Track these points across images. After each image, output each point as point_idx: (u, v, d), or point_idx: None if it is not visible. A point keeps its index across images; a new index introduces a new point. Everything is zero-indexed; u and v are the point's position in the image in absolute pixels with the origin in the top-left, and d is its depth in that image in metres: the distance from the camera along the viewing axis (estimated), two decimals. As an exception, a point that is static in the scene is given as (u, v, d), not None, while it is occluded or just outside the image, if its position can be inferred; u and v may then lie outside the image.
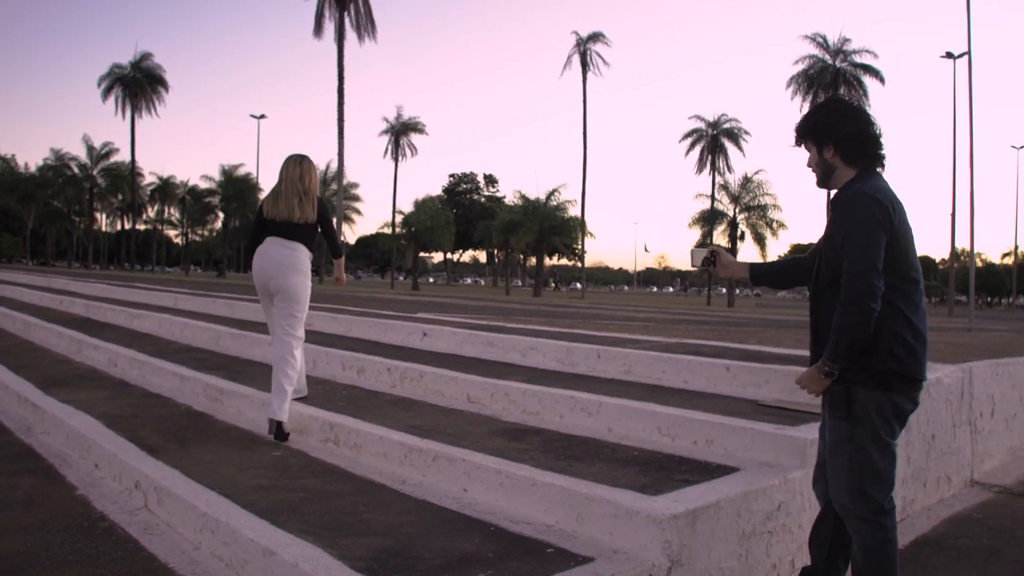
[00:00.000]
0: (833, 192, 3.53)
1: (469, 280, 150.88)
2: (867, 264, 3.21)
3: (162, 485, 4.58)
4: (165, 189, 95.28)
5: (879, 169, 3.52)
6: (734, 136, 69.25)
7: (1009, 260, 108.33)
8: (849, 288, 3.23)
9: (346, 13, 56.04)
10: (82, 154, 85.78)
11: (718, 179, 67.50)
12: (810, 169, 3.65)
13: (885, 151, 3.52)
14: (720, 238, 66.86)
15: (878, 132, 3.50)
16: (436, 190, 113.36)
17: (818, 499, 3.80)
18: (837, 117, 3.52)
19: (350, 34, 56.56)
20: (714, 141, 68.83)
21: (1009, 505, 5.91)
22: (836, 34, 74.88)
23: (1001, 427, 7.06)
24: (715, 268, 4.16)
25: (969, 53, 37.14)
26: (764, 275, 4.23)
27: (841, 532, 3.62)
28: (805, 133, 3.61)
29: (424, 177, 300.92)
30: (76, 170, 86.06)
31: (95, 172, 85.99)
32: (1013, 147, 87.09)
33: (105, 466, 5.37)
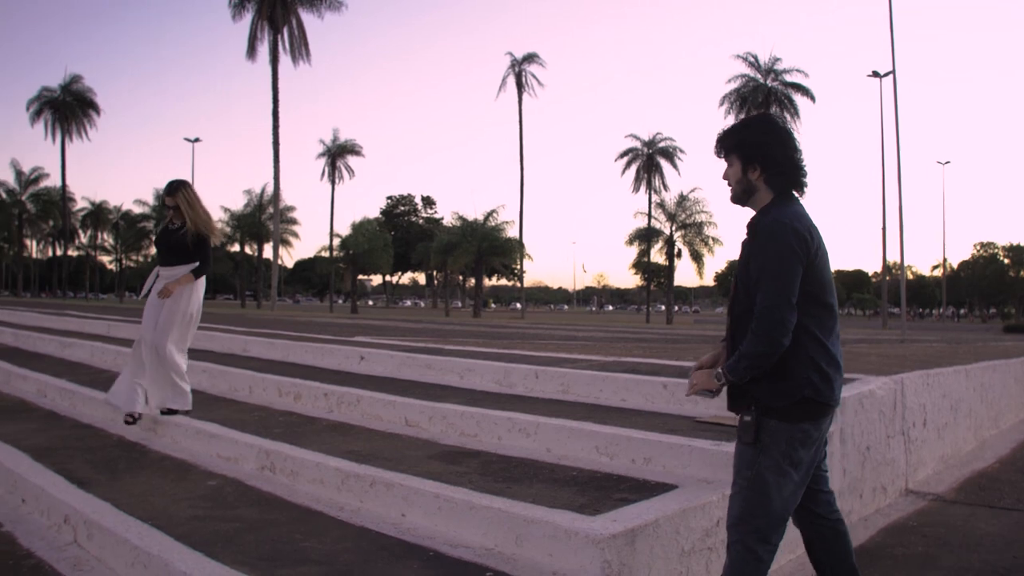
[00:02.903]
0: (750, 214, 3.48)
1: (409, 302, 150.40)
2: (781, 298, 3.17)
3: (92, 519, 4.47)
4: (98, 214, 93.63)
5: (800, 195, 3.47)
6: (669, 155, 70.14)
7: (938, 272, 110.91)
8: (762, 320, 3.19)
9: (279, 36, 55.65)
10: (10, 179, 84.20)
11: (655, 197, 68.32)
12: (726, 182, 3.55)
13: (807, 180, 3.47)
14: (658, 256, 67.58)
15: (802, 159, 3.45)
16: (374, 212, 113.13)
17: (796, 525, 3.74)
18: (770, 138, 3.43)
19: (284, 57, 56.21)
20: (650, 160, 69.64)
21: (943, 512, 6.02)
22: (767, 54, 76.10)
23: (933, 436, 7.20)
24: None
25: (894, 72, 38.13)
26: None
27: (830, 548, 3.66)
28: (731, 147, 3.48)
29: (362, 200, 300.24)
30: (4, 195, 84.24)
31: (24, 197, 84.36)
32: (939, 162, 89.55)
33: (32, 501, 5.23)
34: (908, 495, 6.48)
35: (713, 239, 65.78)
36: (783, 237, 3.21)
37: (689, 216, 66.02)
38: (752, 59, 61.97)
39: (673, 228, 66.64)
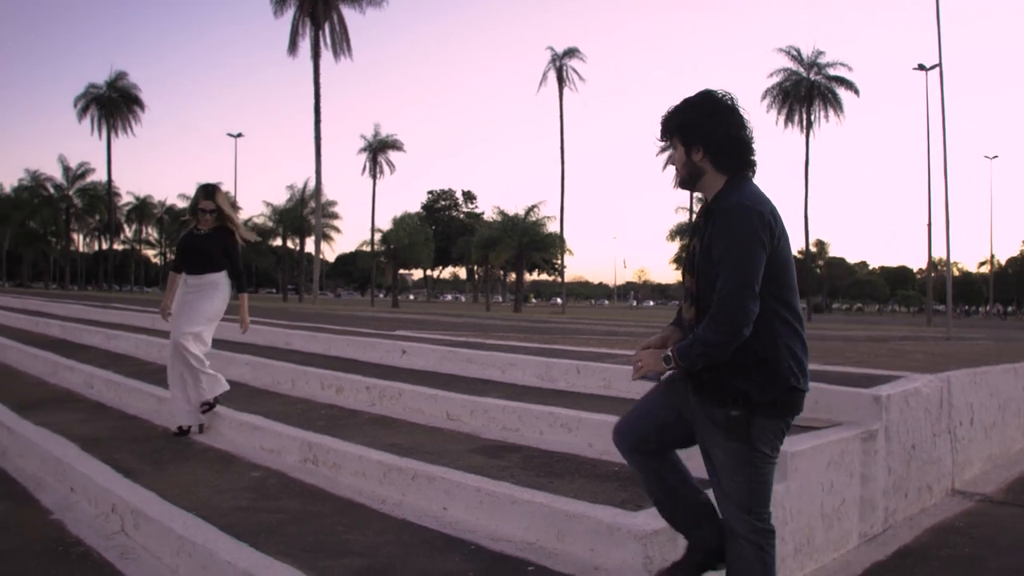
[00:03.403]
0: (704, 198, 3.31)
1: (449, 296, 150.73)
2: (744, 285, 2.99)
3: (139, 508, 4.53)
4: (143, 209, 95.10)
5: (750, 175, 3.26)
6: (710, 149, 69.66)
7: (985, 269, 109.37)
8: (722, 306, 3.00)
9: (321, 32, 55.91)
10: (58, 174, 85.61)
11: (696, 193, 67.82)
12: (674, 168, 3.35)
13: (756, 157, 3.25)
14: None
15: (751, 136, 3.23)
16: (415, 207, 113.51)
17: (626, 454, 3.62)
18: (707, 116, 3.19)
19: (325, 52, 56.41)
20: (691, 154, 69.20)
21: (990, 513, 5.93)
22: (810, 47, 75.44)
23: (980, 435, 7.09)
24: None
25: (940, 65, 37.54)
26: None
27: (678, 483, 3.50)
28: (673, 130, 3.27)
29: (403, 194, 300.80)
30: (52, 190, 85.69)
31: (71, 192, 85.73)
32: (986, 157, 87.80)
33: (81, 490, 5.31)
34: (954, 495, 6.39)
35: (756, 234, 65.36)
36: (747, 221, 3.04)
37: (731, 211, 65.66)
38: (795, 52, 61.44)
39: (714, 223, 66.28)
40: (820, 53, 61.11)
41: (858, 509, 5.12)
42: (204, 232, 6.86)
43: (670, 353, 3.17)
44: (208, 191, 6.88)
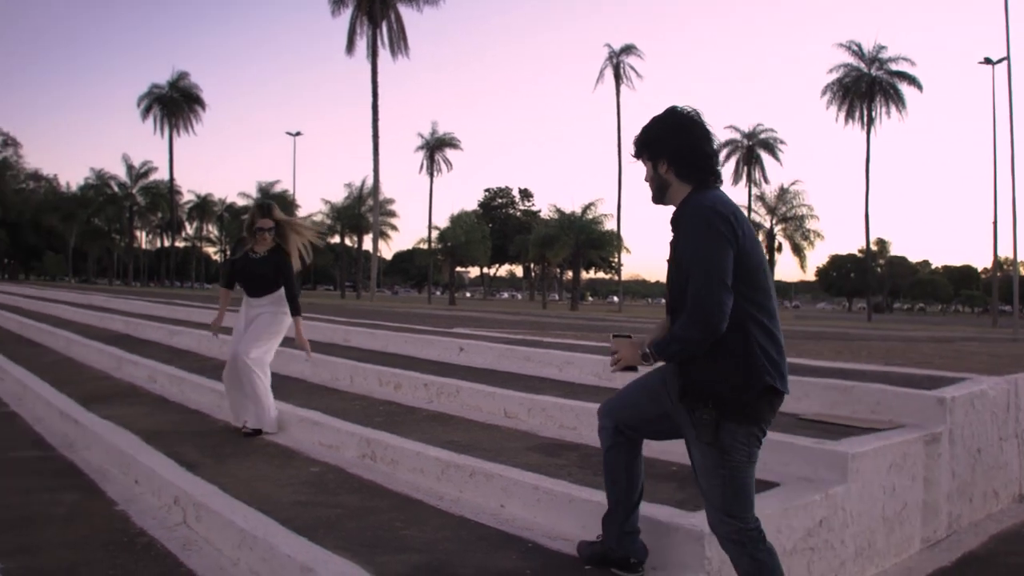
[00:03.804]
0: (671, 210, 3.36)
1: (506, 294, 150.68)
2: (714, 280, 3.07)
3: (201, 501, 4.60)
4: (203, 206, 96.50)
5: (717, 184, 3.37)
6: (770, 146, 68.97)
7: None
8: (696, 302, 3.10)
9: (378, 31, 56.30)
10: (122, 173, 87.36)
11: (754, 190, 67.14)
12: (647, 184, 3.49)
13: (720, 168, 3.41)
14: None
15: (714, 147, 3.38)
16: (472, 205, 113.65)
17: (603, 430, 3.84)
18: (670, 131, 3.37)
19: (382, 51, 56.80)
20: (749, 152, 68.56)
21: (1059, 520, 5.80)
22: (871, 42, 74.21)
23: (1049, 440, 6.92)
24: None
25: (1008, 58, 36.79)
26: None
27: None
28: (641, 147, 3.46)
29: (460, 192, 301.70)
30: (116, 189, 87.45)
31: (134, 190, 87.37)
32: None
33: (145, 482, 5.41)
34: (1022, 501, 6.26)
35: (815, 233, 64.32)
36: (705, 220, 3.16)
37: (790, 209, 64.68)
38: (855, 48, 60.30)
39: (773, 221, 65.40)
40: (882, 48, 60.02)
41: (920, 513, 5.04)
42: (260, 255, 6.82)
43: (648, 349, 3.29)
44: (264, 209, 6.87)
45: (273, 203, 7.03)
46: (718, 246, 3.11)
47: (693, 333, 3.11)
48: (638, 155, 3.49)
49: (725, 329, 3.08)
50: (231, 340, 6.94)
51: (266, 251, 6.81)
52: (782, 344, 3.26)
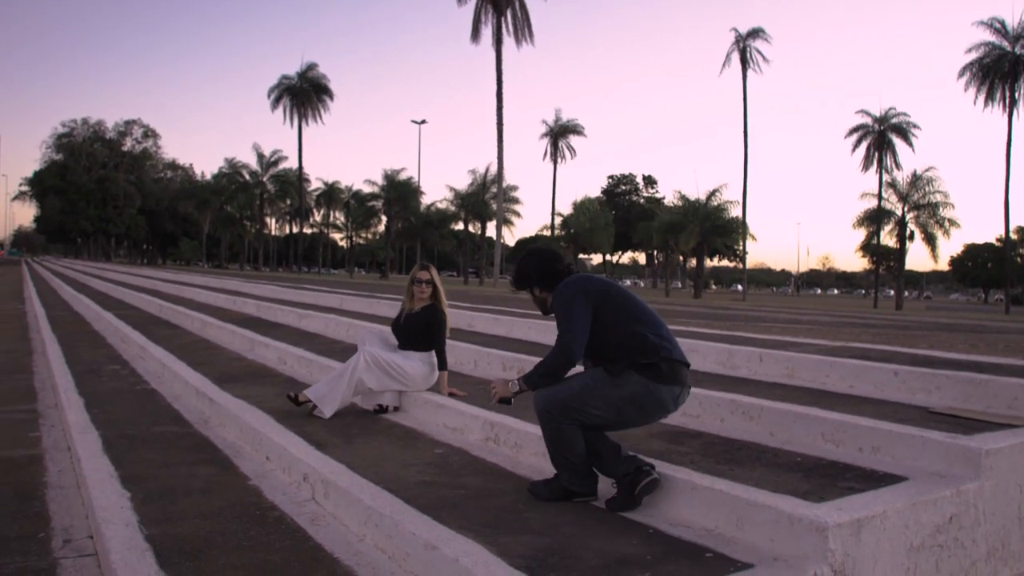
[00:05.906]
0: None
1: (628, 282, 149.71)
2: (572, 326, 4.43)
3: (329, 479, 4.74)
4: (330, 194, 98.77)
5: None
6: (902, 131, 66.23)
7: None
8: (559, 342, 4.46)
9: (503, 19, 56.55)
10: (253, 162, 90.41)
11: (885, 177, 64.50)
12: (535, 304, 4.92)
13: (568, 267, 4.81)
14: (887, 238, 64.12)
15: (564, 262, 4.82)
16: (595, 191, 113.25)
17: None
18: (533, 269, 4.80)
19: (507, 39, 57.05)
20: (881, 137, 65.98)
21: None
22: (1016, 18, 70.21)
23: None
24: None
25: None
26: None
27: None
28: (520, 283, 4.89)
29: (583, 179, 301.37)
30: (248, 177, 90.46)
31: (265, 179, 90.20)
32: None
33: (276, 459, 5.60)
34: None
35: (949, 221, 61.32)
36: (567, 290, 4.56)
37: (923, 196, 61.72)
38: (998, 25, 56.21)
39: (905, 209, 62.62)
40: (1028, 23, 56.24)
41: (1061, 514, 4.82)
42: (417, 311, 7.14)
43: (516, 380, 4.65)
44: (425, 265, 7.24)
45: (431, 264, 7.39)
46: (572, 305, 4.49)
47: (556, 359, 4.50)
48: (519, 288, 4.93)
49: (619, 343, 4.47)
50: (367, 338, 7.21)
51: (421, 308, 7.13)
52: (660, 339, 4.47)
